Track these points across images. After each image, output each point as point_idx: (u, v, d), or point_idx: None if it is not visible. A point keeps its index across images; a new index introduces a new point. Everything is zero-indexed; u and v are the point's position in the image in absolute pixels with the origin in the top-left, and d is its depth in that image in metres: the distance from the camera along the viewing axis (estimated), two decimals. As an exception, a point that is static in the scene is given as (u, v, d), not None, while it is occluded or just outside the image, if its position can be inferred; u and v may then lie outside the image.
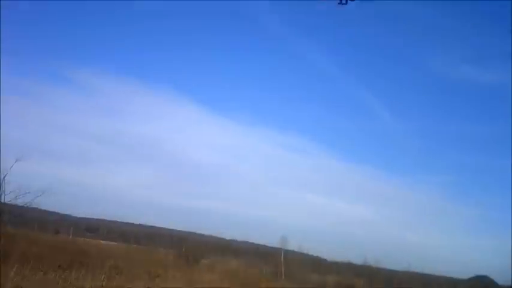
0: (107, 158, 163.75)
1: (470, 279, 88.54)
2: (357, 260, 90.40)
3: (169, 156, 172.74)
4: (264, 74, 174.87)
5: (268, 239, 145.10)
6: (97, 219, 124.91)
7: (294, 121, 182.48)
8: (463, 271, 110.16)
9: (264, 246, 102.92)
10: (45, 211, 70.46)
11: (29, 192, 40.38)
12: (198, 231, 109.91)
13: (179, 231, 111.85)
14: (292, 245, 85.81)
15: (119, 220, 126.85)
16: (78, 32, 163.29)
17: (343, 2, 30.75)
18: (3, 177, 40.05)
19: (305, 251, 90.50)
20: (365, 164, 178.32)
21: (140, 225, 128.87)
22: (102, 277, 33.37)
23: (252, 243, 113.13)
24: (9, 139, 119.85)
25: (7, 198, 40.63)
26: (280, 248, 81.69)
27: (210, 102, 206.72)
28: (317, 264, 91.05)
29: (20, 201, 41.02)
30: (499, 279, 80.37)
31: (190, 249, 72.48)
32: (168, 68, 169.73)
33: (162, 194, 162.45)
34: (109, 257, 48.26)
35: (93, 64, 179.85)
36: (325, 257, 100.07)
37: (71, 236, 77.06)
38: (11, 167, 40.04)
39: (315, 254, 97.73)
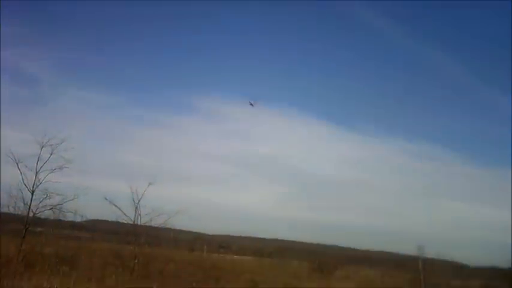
0: (235, 178, 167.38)
1: None
2: (502, 264, 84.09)
3: (297, 172, 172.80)
4: (382, 83, 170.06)
5: (404, 248, 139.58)
6: (229, 236, 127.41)
7: (419, 128, 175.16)
8: None
9: (401, 255, 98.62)
10: (179, 231, 72.41)
11: (162, 214, 41.38)
12: (330, 244, 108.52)
13: (311, 244, 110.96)
14: (430, 253, 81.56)
15: (251, 236, 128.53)
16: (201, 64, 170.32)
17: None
18: (138, 201, 41.45)
19: (444, 258, 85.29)
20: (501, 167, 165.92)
21: (272, 239, 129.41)
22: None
23: (388, 253, 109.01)
24: (143, 166, 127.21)
25: (143, 221, 41.99)
26: (418, 256, 77.93)
27: (333, 117, 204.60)
28: (458, 270, 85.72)
29: (154, 223, 42.19)
30: None
31: (324, 261, 71.39)
32: (287, 87, 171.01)
33: (292, 209, 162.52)
34: (243, 271, 48.40)
35: (216, 91, 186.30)
36: (467, 263, 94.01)
37: (205, 253, 78.68)
38: (145, 192, 41.39)
39: (455, 261, 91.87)
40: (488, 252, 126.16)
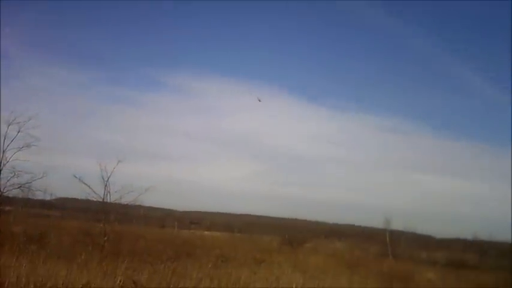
0: (205, 154, 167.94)
1: None
2: (467, 235, 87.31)
3: (267, 148, 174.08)
4: (352, 58, 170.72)
5: (372, 221, 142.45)
6: (200, 212, 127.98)
7: (389, 103, 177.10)
8: None
9: (369, 228, 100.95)
10: (149, 208, 72.53)
11: (132, 191, 41.16)
12: (301, 218, 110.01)
13: (281, 218, 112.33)
14: (398, 225, 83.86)
15: (221, 211, 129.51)
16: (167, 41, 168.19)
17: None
18: (108, 179, 41.22)
19: (411, 230, 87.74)
20: (468, 139, 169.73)
21: (242, 215, 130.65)
22: (209, 266, 33.52)
23: (357, 226, 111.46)
24: (112, 143, 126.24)
25: (112, 198, 41.77)
26: (385, 229, 79.88)
27: (304, 93, 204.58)
28: (425, 241, 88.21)
29: (124, 200, 41.98)
30: None
31: (293, 235, 72.59)
32: (257, 63, 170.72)
33: (263, 185, 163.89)
34: (214, 247, 48.91)
35: (186, 68, 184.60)
36: (433, 234, 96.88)
37: (175, 230, 79.07)
38: (114, 169, 41.07)
39: (422, 233, 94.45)
40: (454, 224, 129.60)
